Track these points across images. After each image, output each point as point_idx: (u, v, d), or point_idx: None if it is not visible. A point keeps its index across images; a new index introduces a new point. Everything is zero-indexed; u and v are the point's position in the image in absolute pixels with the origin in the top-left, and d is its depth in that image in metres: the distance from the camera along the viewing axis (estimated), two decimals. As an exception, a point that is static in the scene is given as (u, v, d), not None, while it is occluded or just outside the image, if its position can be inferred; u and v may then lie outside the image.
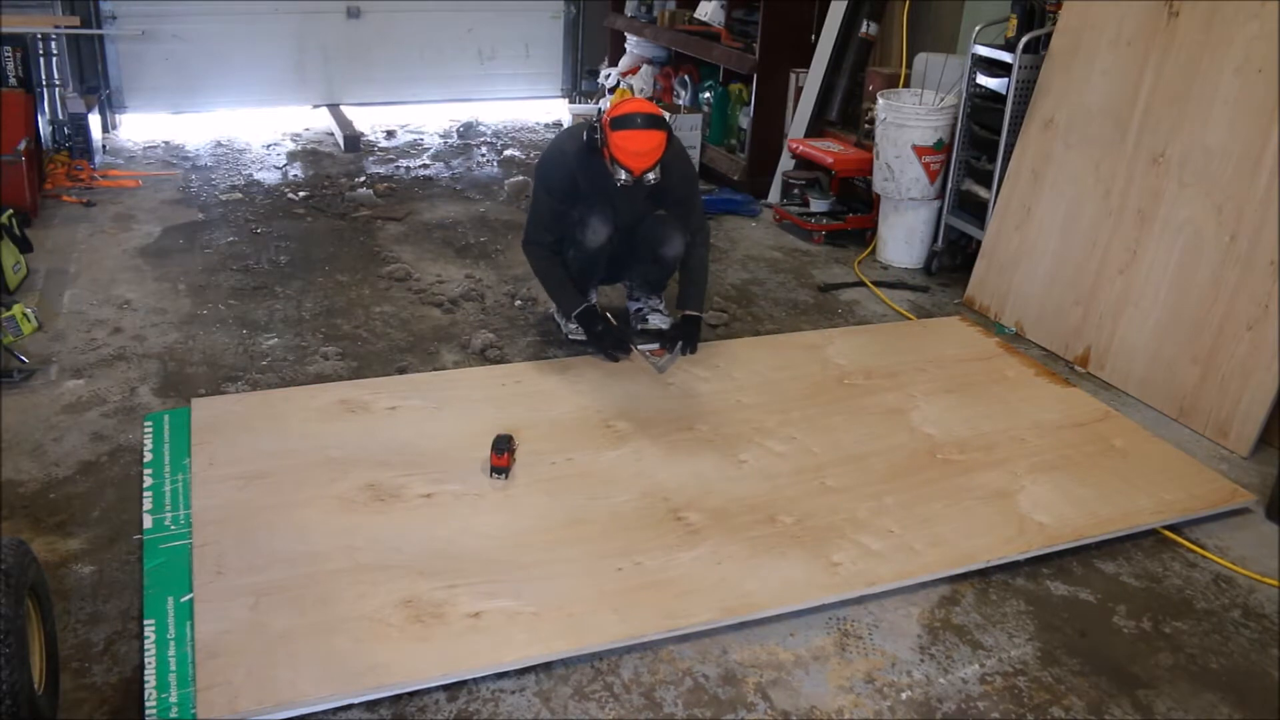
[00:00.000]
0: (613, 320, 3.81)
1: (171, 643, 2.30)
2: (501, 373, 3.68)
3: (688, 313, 3.82)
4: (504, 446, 2.99)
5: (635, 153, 3.37)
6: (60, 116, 5.86)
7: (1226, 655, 2.53)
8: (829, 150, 5.22)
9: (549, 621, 2.43)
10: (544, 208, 3.74)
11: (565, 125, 7.50)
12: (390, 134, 7.11)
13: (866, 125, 5.23)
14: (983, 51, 4.50)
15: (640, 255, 3.87)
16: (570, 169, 3.64)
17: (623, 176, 3.42)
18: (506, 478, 2.97)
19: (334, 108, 7.32)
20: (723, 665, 2.40)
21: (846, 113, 5.60)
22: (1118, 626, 2.62)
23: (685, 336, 3.79)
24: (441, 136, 7.15)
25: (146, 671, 2.22)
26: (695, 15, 6.59)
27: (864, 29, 5.41)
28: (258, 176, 6.04)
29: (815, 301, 4.60)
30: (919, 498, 3.00)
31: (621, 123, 3.39)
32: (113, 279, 4.43)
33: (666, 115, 3.56)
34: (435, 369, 3.78)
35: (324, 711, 2.18)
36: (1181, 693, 2.40)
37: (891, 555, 2.73)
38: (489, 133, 7.28)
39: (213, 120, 7.06)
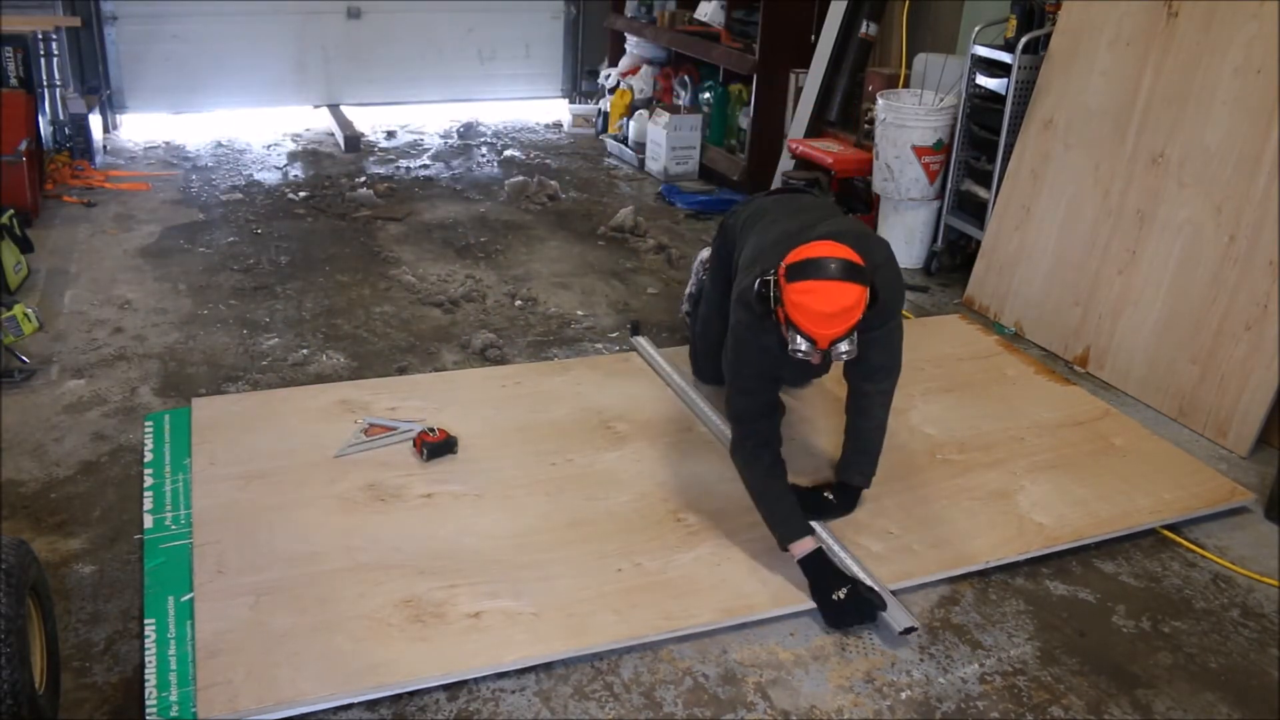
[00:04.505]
0: (844, 570, 2.65)
1: (172, 642, 2.30)
2: (501, 373, 3.69)
3: (848, 483, 2.92)
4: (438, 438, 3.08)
5: (822, 314, 2.38)
6: (61, 117, 5.87)
7: (1225, 655, 2.54)
8: (829, 150, 5.23)
9: (549, 622, 2.43)
10: (741, 379, 2.75)
11: (565, 126, 7.52)
12: (390, 134, 7.11)
13: (866, 125, 5.23)
14: (982, 52, 4.50)
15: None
16: (763, 348, 2.67)
17: (803, 348, 2.43)
18: (425, 457, 3.04)
19: (334, 108, 7.32)
20: (723, 665, 2.41)
21: (846, 113, 5.60)
22: (1117, 626, 2.62)
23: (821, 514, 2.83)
24: (442, 137, 7.15)
25: (147, 670, 2.22)
26: (695, 15, 6.60)
27: (864, 29, 5.42)
28: (258, 177, 6.04)
29: (815, 301, 4.60)
30: (918, 499, 3.01)
31: (802, 271, 2.42)
32: (113, 279, 4.44)
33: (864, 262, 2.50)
34: (435, 369, 3.78)
35: (324, 711, 2.18)
36: (1181, 692, 2.41)
37: (891, 556, 2.73)
38: (489, 133, 7.29)
39: (213, 120, 7.07)
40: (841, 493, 2.91)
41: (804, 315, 2.40)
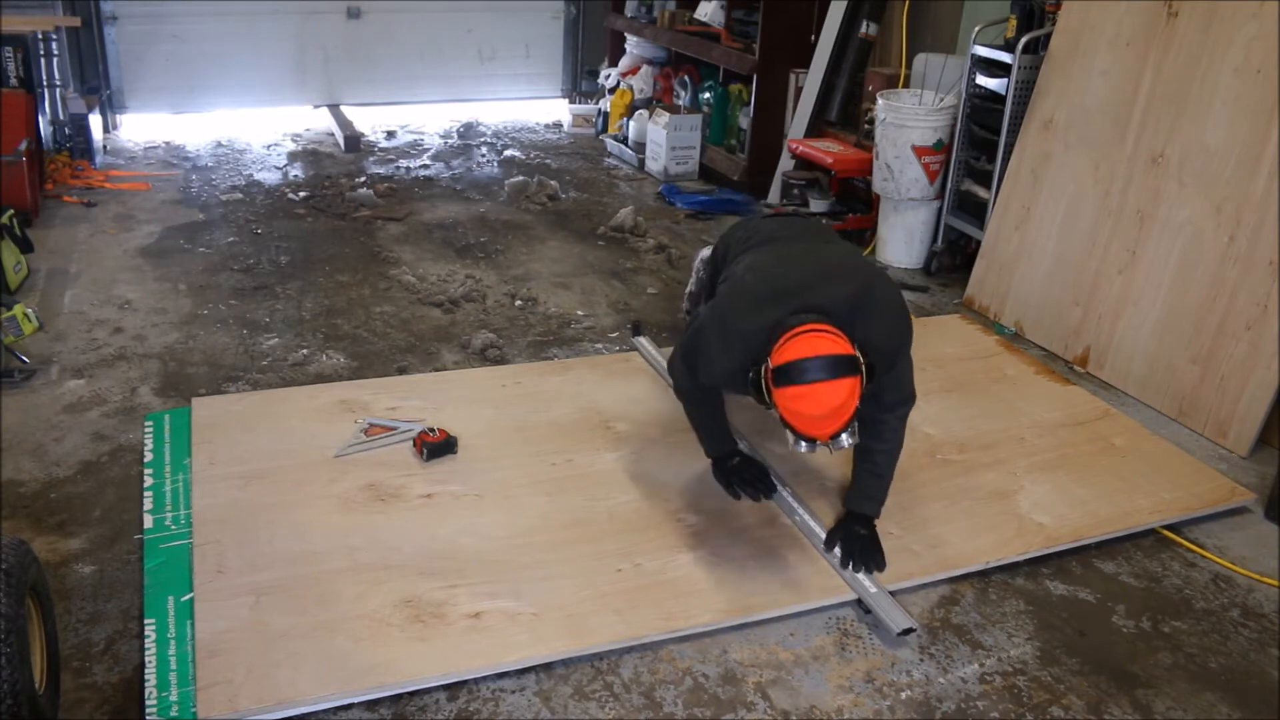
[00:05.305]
0: (756, 458, 3.00)
1: (172, 642, 2.30)
2: (501, 373, 3.69)
3: (859, 511, 2.76)
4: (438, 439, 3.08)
5: (814, 418, 2.33)
6: (61, 117, 5.87)
7: (1225, 655, 2.54)
8: (829, 150, 5.23)
9: (549, 622, 2.43)
10: (691, 382, 2.78)
11: (565, 126, 7.51)
12: (390, 134, 7.11)
13: (866, 125, 5.23)
14: (982, 52, 4.50)
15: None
16: (723, 381, 2.66)
17: (802, 448, 2.40)
18: (425, 457, 3.04)
19: (334, 108, 7.32)
20: (723, 665, 2.41)
21: (846, 113, 5.60)
22: (1117, 626, 2.62)
23: (849, 546, 2.68)
24: (442, 137, 7.15)
25: (147, 670, 2.22)
26: (695, 15, 6.60)
27: (864, 29, 5.41)
28: (258, 177, 6.04)
29: (815, 301, 4.60)
30: (918, 499, 3.00)
31: (788, 376, 2.33)
32: (113, 279, 4.44)
33: (843, 338, 2.40)
34: (435, 369, 3.78)
35: (324, 710, 2.18)
36: (1181, 692, 2.41)
37: (891, 557, 2.72)
38: (489, 133, 7.29)
39: (213, 120, 7.07)
40: (864, 523, 2.74)
41: (798, 420, 2.35)
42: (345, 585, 2.50)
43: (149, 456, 3.03)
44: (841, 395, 2.31)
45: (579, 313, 4.34)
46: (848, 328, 2.44)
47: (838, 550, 2.70)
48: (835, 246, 2.94)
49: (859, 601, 2.59)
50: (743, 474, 2.89)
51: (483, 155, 6.78)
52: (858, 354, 2.38)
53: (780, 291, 2.55)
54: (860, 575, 2.62)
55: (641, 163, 6.59)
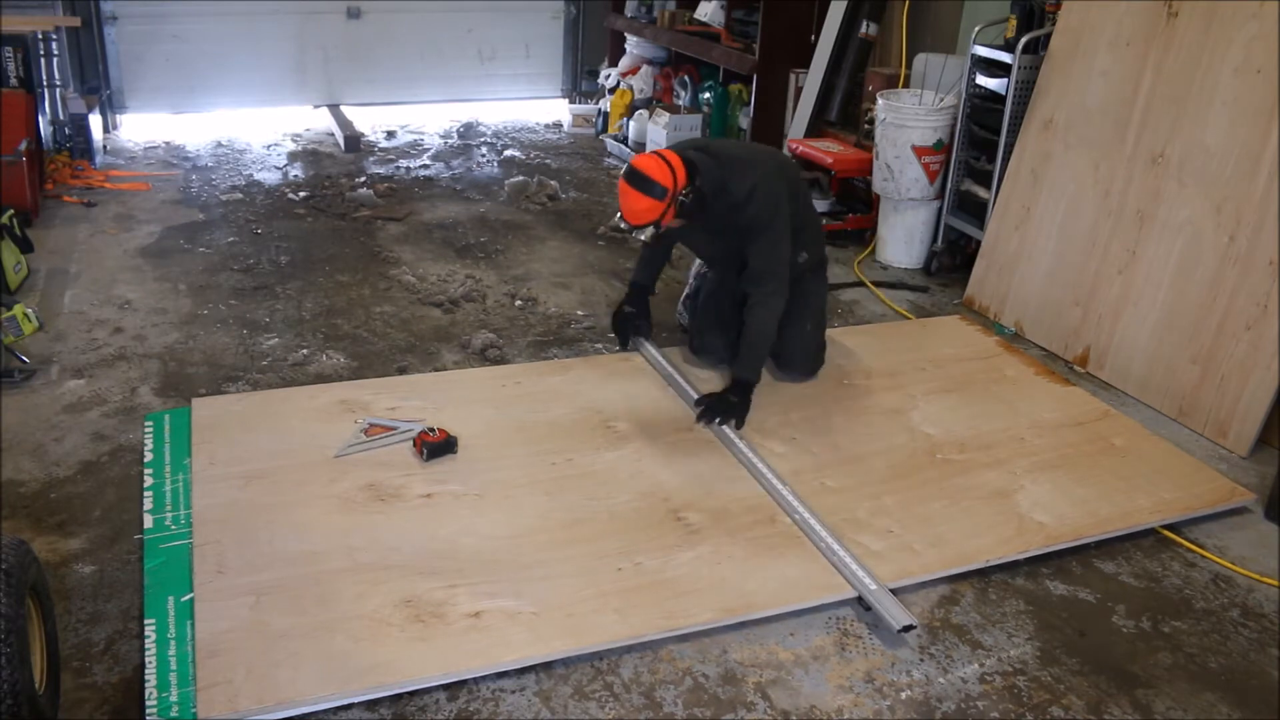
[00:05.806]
0: (638, 312, 3.77)
1: (172, 642, 2.30)
2: (501, 373, 3.69)
3: (739, 377, 3.36)
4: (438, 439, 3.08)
5: (623, 206, 3.19)
6: (61, 117, 5.87)
7: (1225, 655, 2.54)
8: (829, 150, 5.23)
9: (549, 621, 2.43)
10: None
11: (565, 126, 7.52)
12: (390, 134, 7.12)
13: (866, 125, 5.23)
14: (982, 52, 4.50)
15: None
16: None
17: (622, 225, 3.24)
18: (425, 457, 3.04)
19: (334, 108, 7.32)
20: (723, 665, 2.41)
21: (846, 113, 5.60)
22: (1117, 626, 2.62)
23: (719, 405, 3.31)
24: (442, 137, 7.15)
25: (147, 670, 2.22)
26: (695, 15, 6.60)
27: (864, 29, 5.42)
28: (258, 177, 6.04)
29: (815, 301, 4.60)
30: (918, 498, 3.01)
31: (625, 172, 3.17)
32: (113, 279, 4.44)
33: (678, 175, 3.14)
34: (435, 369, 3.78)
35: (324, 710, 2.18)
36: (1181, 692, 2.41)
37: (891, 555, 2.73)
38: (489, 133, 7.29)
39: (213, 120, 7.07)
40: (737, 390, 3.32)
41: (620, 200, 3.17)
42: (345, 585, 2.50)
43: (149, 456, 3.03)
44: (641, 205, 3.11)
45: (579, 313, 4.34)
46: (719, 172, 3.23)
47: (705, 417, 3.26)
48: (750, 148, 3.81)
49: (859, 599, 2.59)
50: (623, 323, 3.76)
51: (483, 155, 6.78)
52: (671, 189, 3.08)
53: (707, 143, 3.42)
54: (852, 564, 2.62)
55: (641, 163, 6.58)
